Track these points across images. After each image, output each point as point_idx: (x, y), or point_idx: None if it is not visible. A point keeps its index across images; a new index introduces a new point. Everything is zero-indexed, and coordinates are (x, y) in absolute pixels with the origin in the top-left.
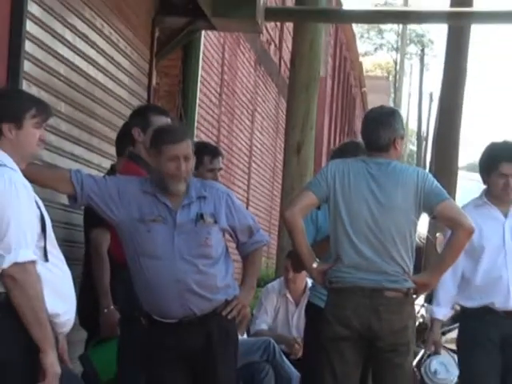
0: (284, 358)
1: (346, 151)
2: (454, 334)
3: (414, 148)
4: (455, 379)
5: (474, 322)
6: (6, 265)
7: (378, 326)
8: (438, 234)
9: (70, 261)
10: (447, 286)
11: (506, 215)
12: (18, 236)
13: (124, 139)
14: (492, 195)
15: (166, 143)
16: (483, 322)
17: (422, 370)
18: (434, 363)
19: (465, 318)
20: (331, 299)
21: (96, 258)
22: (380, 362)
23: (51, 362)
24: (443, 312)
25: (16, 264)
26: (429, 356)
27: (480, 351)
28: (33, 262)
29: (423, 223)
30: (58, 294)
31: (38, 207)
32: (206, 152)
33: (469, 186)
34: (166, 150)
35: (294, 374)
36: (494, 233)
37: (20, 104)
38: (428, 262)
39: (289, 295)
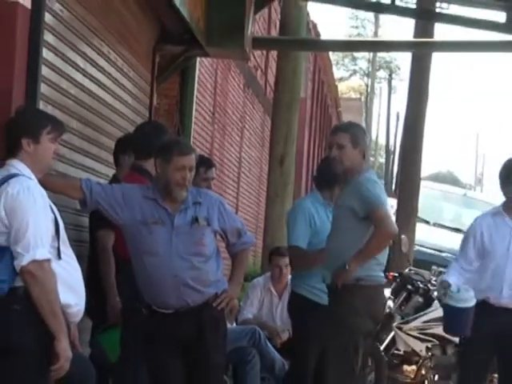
0: (268, 343)
1: None
2: (417, 323)
3: (383, 160)
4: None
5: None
6: (25, 262)
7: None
8: (402, 236)
9: (80, 258)
10: (453, 267)
11: None
12: (35, 237)
13: (121, 150)
14: (508, 205)
15: (176, 155)
16: (480, 314)
17: (441, 295)
18: (453, 285)
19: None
20: (363, 296)
21: (103, 255)
22: None
23: (64, 348)
24: (453, 279)
25: (34, 261)
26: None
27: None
28: (48, 260)
29: None
30: (69, 288)
31: (53, 212)
32: (201, 164)
33: (431, 193)
34: (175, 161)
35: (277, 357)
36: (502, 238)
37: (38, 121)
38: (393, 259)
39: (272, 289)
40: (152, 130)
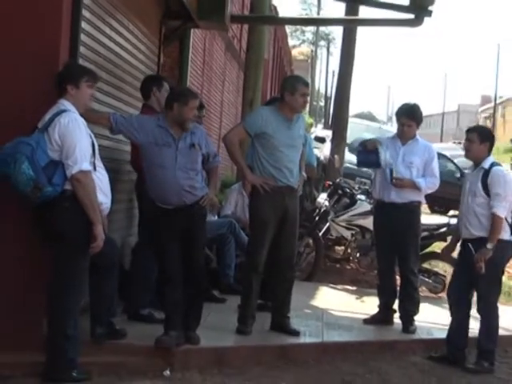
0: (241, 231)
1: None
2: (344, 217)
3: (323, 104)
4: None
5: (377, 210)
6: (74, 171)
7: None
8: (335, 156)
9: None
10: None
11: (403, 144)
12: (81, 154)
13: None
14: (398, 133)
15: (191, 98)
16: (379, 209)
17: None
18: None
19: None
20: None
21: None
22: None
23: (99, 231)
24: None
25: (81, 171)
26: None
27: (382, 228)
28: (90, 171)
29: (327, 147)
30: (101, 191)
31: (90, 137)
32: None
33: (356, 126)
34: (191, 103)
35: (246, 239)
36: (394, 154)
37: (78, 73)
38: (328, 174)
39: (244, 192)
40: (150, 80)
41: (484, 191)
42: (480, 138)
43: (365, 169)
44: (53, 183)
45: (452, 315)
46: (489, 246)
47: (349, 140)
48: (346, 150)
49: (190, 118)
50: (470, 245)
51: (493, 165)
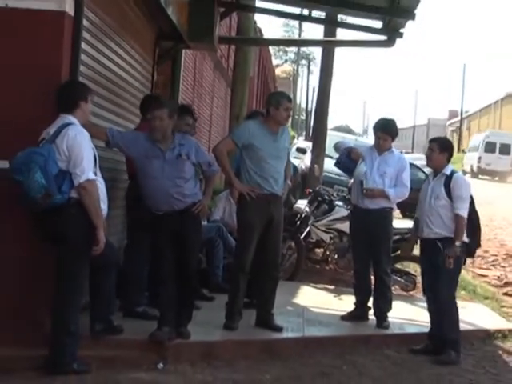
0: (228, 235)
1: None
2: (324, 221)
3: (304, 118)
4: None
5: (353, 215)
6: (82, 180)
7: None
8: (315, 166)
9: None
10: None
11: (379, 155)
12: (87, 164)
13: (144, 106)
14: (375, 145)
15: (155, 109)
16: (354, 213)
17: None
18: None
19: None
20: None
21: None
22: None
23: (101, 235)
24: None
25: (88, 180)
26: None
27: (357, 232)
28: (95, 179)
29: (308, 158)
30: (101, 198)
31: (92, 148)
32: (189, 113)
33: (334, 138)
34: (155, 113)
35: (233, 243)
36: (370, 163)
37: (86, 89)
38: (308, 182)
39: (232, 199)
40: (150, 98)
41: (447, 195)
42: (440, 147)
43: (343, 177)
44: (62, 191)
45: (430, 312)
46: (457, 243)
47: (328, 151)
48: (326, 159)
49: (155, 128)
50: (439, 243)
51: (453, 172)
